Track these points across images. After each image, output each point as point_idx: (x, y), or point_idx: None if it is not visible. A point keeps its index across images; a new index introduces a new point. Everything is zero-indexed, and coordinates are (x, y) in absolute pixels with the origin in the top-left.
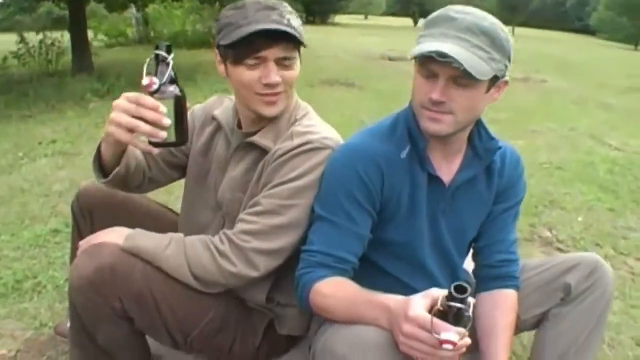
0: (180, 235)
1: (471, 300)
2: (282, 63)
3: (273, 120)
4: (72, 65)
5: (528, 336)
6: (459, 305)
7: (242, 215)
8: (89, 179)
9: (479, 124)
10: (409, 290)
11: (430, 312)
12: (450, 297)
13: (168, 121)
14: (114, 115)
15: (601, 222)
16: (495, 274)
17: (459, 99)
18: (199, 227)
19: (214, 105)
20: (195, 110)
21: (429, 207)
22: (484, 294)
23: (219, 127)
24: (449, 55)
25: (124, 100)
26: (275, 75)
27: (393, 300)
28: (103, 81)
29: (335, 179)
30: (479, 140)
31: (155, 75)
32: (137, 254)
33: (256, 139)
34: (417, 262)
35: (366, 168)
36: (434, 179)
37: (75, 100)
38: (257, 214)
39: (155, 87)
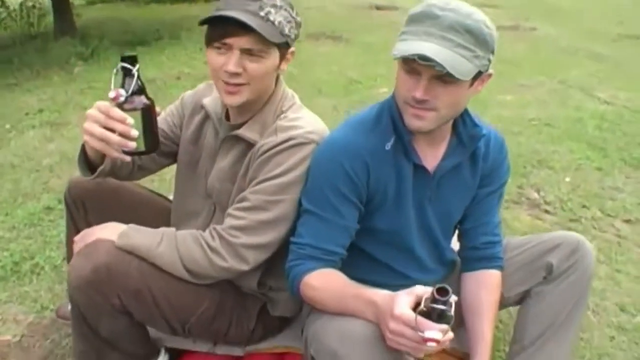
0: (172, 230)
1: (453, 299)
2: (249, 54)
3: (258, 111)
4: (54, 27)
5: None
6: (441, 307)
7: (230, 210)
8: (77, 151)
9: (464, 112)
10: (398, 274)
11: (414, 309)
12: (433, 299)
13: (136, 132)
14: (87, 125)
15: (588, 182)
16: (479, 255)
17: (442, 96)
18: (190, 213)
19: (203, 92)
20: (185, 97)
21: (415, 195)
22: (469, 274)
23: (207, 116)
24: (431, 58)
25: (95, 110)
26: (233, 65)
27: (379, 295)
28: (86, 43)
29: (321, 173)
30: (463, 127)
31: (122, 86)
32: (131, 251)
33: (242, 131)
34: (405, 248)
35: (351, 163)
36: (419, 168)
37: (59, 64)
38: (245, 209)
39: (122, 99)
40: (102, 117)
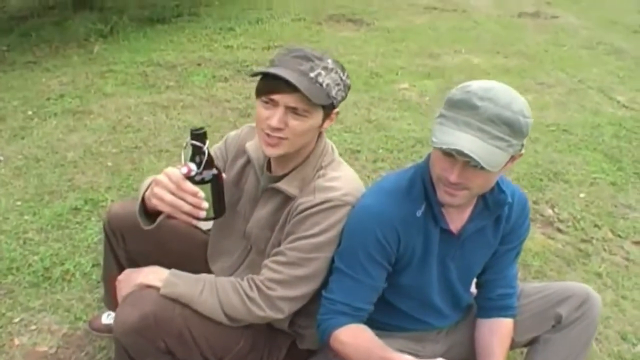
0: (212, 277)
1: None
2: (293, 112)
3: (299, 165)
4: None
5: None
6: None
7: (268, 262)
8: (99, 144)
9: None
10: (416, 320)
11: None
12: None
13: (206, 204)
14: (157, 190)
15: (602, 199)
16: (495, 305)
17: (475, 179)
18: (226, 251)
19: (247, 136)
20: (229, 140)
21: (439, 254)
22: (484, 320)
23: (249, 161)
24: (468, 155)
25: (166, 178)
26: (277, 121)
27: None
28: (105, 19)
29: (355, 239)
30: (490, 193)
31: (192, 160)
32: (176, 299)
33: (282, 185)
34: (426, 300)
35: (383, 231)
36: (445, 231)
37: (78, 41)
38: (282, 263)
39: (193, 173)
40: (173, 187)
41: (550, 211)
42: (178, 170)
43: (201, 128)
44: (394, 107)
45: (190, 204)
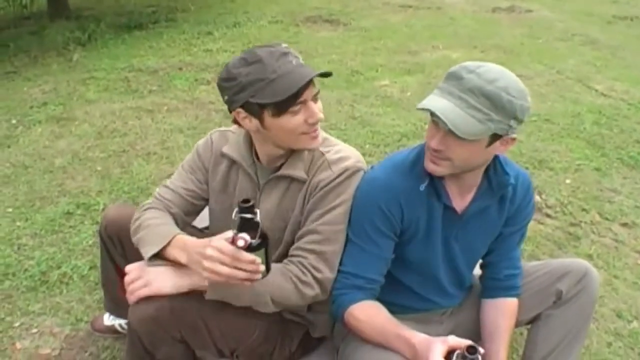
0: None
1: (480, 354)
2: (315, 98)
3: (294, 151)
4: (48, 7)
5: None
6: None
7: (304, 245)
8: (87, 149)
9: (495, 158)
10: (421, 298)
11: (446, 358)
12: (463, 356)
13: (263, 267)
14: (210, 265)
15: (587, 184)
16: (500, 285)
17: (456, 149)
18: None
19: (218, 142)
20: (200, 150)
21: (443, 232)
22: (489, 300)
23: (232, 163)
24: (437, 115)
25: (217, 252)
26: (320, 112)
27: (417, 339)
28: (83, 27)
29: (362, 210)
30: (494, 174)
31: (244, 231)
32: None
33: (288, 171)
34: (431, 276)
35: (387, 203)
36: (449, 208)
37: (57, 49)
38: (319, 242)
39: (248, 243)
40: (228, 260)
41: (537, 197)
42: (227, 241)
43: (248, 200)
44: (377, 103)
45: (248, 270)
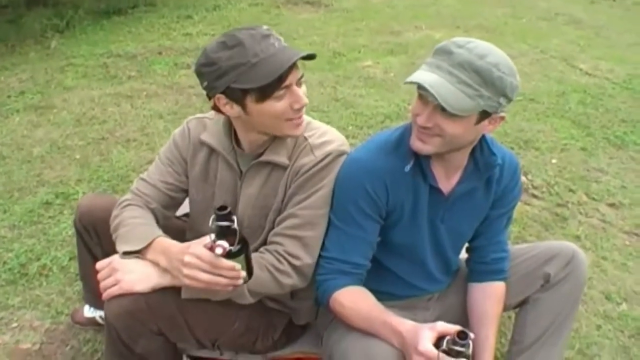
0: None
1: (470, 339)
2: (299, 82)
3: (277, 136)
4: None
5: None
6: (461, 349)
7: (282, 230)
8: (65, 137)
9: (482, 138)
10: (407, 284)
11: (436, 344)
12: (454, 342)
13: (244, 273)
14: (189, 272)
15: (574, 164)
16: (488, 269)
17: (444, 126)
18: None
19: (195, 130)
20: (177, 140)
21: (429, 214)
22: (477, 285)
23: (212, 151)
24: (426, 88)
25: (196, 260)
26: (304, 97)
27: (405, 327)
28: (60, 14)
29: (345, 192)
30: (480, 154)
31: (221, 239)
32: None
33: (269, 157)
34: (417, 260)
35: (372, 183)
36: (435, 190)
37: (35, 38)
38: (298, 227)
39: (227, 250)
40: (207, 267)
41: (524, 178)
42: (205, 249)
43: (225, 207)
44: (360, 84)
45: (229, 277)
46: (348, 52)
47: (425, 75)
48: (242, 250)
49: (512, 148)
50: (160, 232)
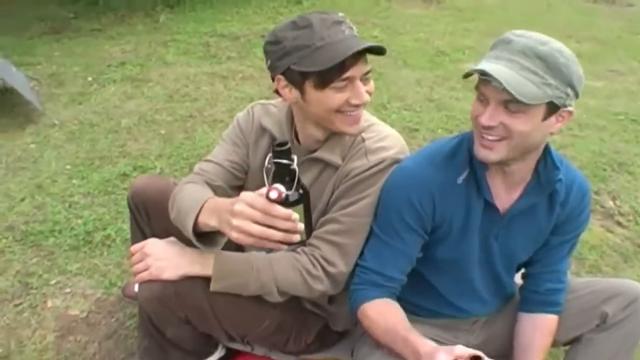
0: (262, 256)
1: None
2: (365, 78)
3: (334, 132)
4: None
5: None
6: None
7: (321, 234)
8: (155, 111)
9: (546, 151)
10: (449, 305)
11: None
12: None
13: (302, 226)
14: (240, 223)
15: None
16: (541, 299)
17: (509, 123)
18: None
19: (259, 115)
20: (241, 122)
21: (481, 230)
22: (527, 315)
23: (273, 140)
24: (489, 73)
25: (247, 208)
26: (365, 94)
27: (424, 348)
28: None
29: (389, 201)
30: (544, 168)
31: (279, 181)
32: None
33: (323, 154)
34: (464, 279)
35: (418, 195)
36: (490, 205)
37: (145, 10)
38: (337, 233)
39: (284, 196)
40: (260, 216)
41: (611, 203)
42: (260, 196)
43: (285, 143)
44: (458, 86)
45: (284, 230)
46: (452, 52)
47: (486, 65)
48: (301, 198)
49: (605, 170)
50: (211, 194)
